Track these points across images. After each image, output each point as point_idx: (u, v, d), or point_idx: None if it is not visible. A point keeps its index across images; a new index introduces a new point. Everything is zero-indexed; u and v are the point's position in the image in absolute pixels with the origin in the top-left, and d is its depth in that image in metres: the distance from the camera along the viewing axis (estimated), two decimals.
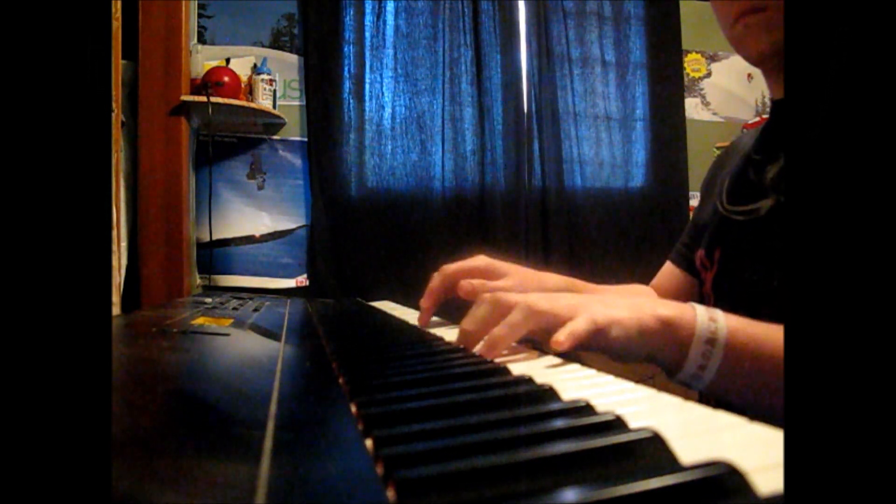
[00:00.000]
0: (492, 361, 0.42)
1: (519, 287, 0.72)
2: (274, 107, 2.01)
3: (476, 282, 0.71)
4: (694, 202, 2.28)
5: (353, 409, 0.29)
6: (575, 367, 0.42)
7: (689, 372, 0.48)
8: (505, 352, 0.47)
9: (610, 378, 0.38)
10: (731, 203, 0.71)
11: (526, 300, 0.48)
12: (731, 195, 0.71)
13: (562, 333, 0.44)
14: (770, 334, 0.47)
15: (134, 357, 0.38)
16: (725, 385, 0.48)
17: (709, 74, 2.48)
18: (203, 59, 1.97)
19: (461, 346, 0.49)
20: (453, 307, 0.76)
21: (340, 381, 0.36)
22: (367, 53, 2.09)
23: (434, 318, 0.78)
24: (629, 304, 0.48)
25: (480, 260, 0.76)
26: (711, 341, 0.47)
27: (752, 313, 0.49)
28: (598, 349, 0.47)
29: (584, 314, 0.46)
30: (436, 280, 0.74)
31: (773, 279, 0.61)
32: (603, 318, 0.46)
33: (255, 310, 0.76)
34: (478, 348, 0.47)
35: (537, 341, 0.49)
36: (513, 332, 0.47)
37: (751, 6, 0.60)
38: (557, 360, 0.44)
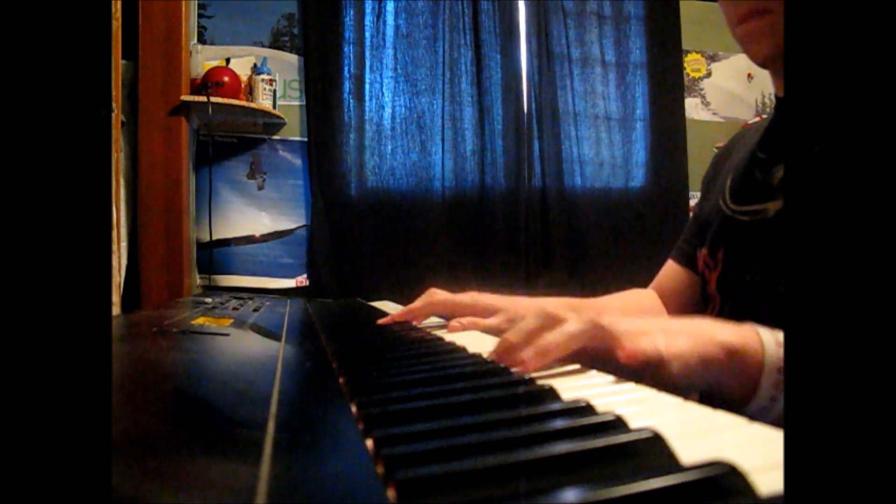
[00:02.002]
0: (506, 368, 0.42)
1: (512, 321, 0.69)
2: (274, 107, 2.01)
3: (466, 320, 0.67)
4: (694, 202, 2.28)
5: (353, 409, 0.29)
6: (575, 367, 0.41)
7: (758, 406, 0.42)
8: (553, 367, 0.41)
9: (610, 378, 0.38)
10: (735, 203, 0.70)
11: (584, 315, 0.42)
12: (735, 195, 0.70)
13: (625, 350, 0.39)
14: None
15: (134, 357, 0.38)
16: None
17: (709, 74, 2.48)
18: (203, 59, 1.97)
19: (499, 361, 0.42)
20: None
21: (340, 381, 0.36)
22: (367, 53, 2.09)
23: (434, 319, 0.78)
24: (688, 330, 0.43)
25: (469, 297, 0.73)
26: (783, 370, 0.41)
27: (757, 315, 0.47)
28: (653, 381, 0.40)
29: (652, 341, 0.40)
30: (419, 303, 0.74)
31: (779, 282, 0.60)
32: (673, 349, 0.40)
33: (255, 310, 0.76)
34: (523, 358, 0.41)
35: (585, 361, 0.43)
36: (568, 340, 0.40)
37: (753, 9, 0.59)
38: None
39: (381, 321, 0.75)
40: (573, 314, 0.42)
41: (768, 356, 0.41)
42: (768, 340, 0.42)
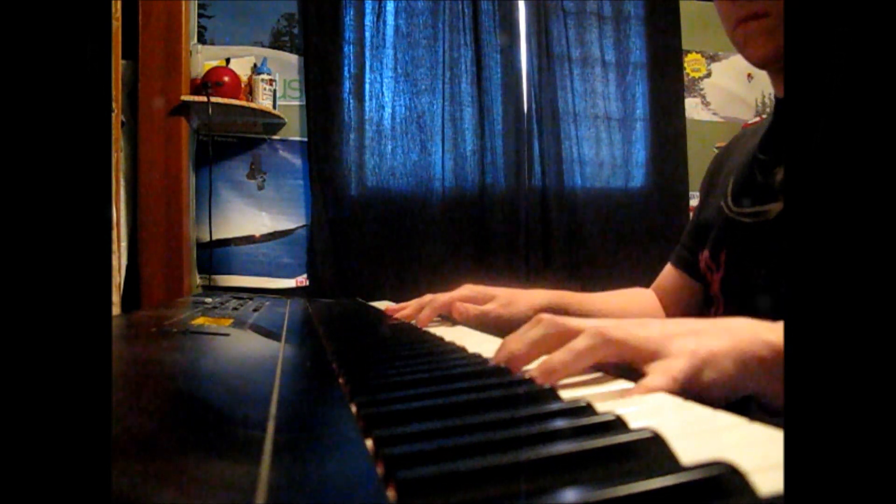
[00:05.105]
0: (487, 361, 0.42)
1: (507, 306, 0.75)
2: (274, 107, 2.01)
3: (470, 305, 0.75)
4: (694, 202, 2.27)
5: (353, 409, 0.29)
6: None
7: None
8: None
9: (610, 378, 0.38)
10: (737, 205, 0.70)
11: (597, 325, 0.38)
12: (737, 197, 0.71)
13: (657, 375, 0.34)
14: None
15: (134, 357, 0.38)
16: None
17: (709, 74, 2.48)
18: (203, 59, 1.97)
19: (503, 366, 0.40)
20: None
21: (340, 381, 0.36)
22: (367, 53, 2.08)
23: (434, 319, 0.78)
24: (722, 330, 0.38)
25: (466, 289, 0.79)
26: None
27: (760, 317, 0.45)
28: (690, 393, 0.35)
29: (679, 349, 0.36)
30: (417, 308, 0.79)
31: (781, 283, 0.60)
32: (703, 353, 0.35)
33: (255, 310, 0.76)
34: (530, 371, 0.38)
35: (612, 372, 0.39)
36: (577, 360, 0.37)
37: (752, 12, 0.59)
38: None
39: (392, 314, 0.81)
40: (591, 326, 0.38)
41: None
42: None
